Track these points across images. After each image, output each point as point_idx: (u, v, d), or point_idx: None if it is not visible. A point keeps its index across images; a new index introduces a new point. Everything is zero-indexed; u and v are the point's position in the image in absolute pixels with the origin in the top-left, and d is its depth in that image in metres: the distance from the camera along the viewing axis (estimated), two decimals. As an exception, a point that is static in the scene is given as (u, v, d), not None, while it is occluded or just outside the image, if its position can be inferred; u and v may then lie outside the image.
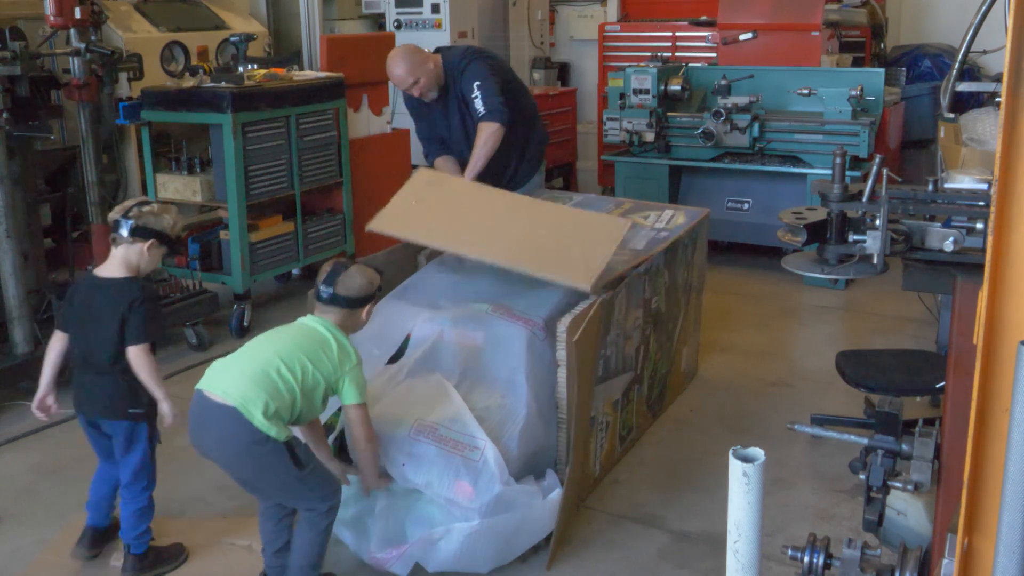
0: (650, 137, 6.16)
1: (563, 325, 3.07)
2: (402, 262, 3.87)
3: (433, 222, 3.64)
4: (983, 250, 1.55)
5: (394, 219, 3.65)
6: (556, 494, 2.99)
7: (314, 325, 2.81)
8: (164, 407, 2.89)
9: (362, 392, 2.78)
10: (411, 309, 3.45)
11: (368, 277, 2.89)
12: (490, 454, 2.90)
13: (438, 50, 4.72)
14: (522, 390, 3.11)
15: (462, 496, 2.86)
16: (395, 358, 3.35)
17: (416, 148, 6.45)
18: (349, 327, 2.86)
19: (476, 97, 4.38)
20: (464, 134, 4.62)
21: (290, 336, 2.79)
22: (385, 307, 3.53)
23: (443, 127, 4.69)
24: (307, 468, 2.70)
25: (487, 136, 4.37)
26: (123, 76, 5.02)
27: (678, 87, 6.22)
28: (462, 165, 4.66)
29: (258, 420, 2.57)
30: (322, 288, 2.83)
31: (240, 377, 2.65)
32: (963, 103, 5.66)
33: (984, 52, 6.93)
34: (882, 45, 7.66)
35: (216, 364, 2.76)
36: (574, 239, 3.48)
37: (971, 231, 2.19)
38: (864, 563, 2.11)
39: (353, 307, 2.85)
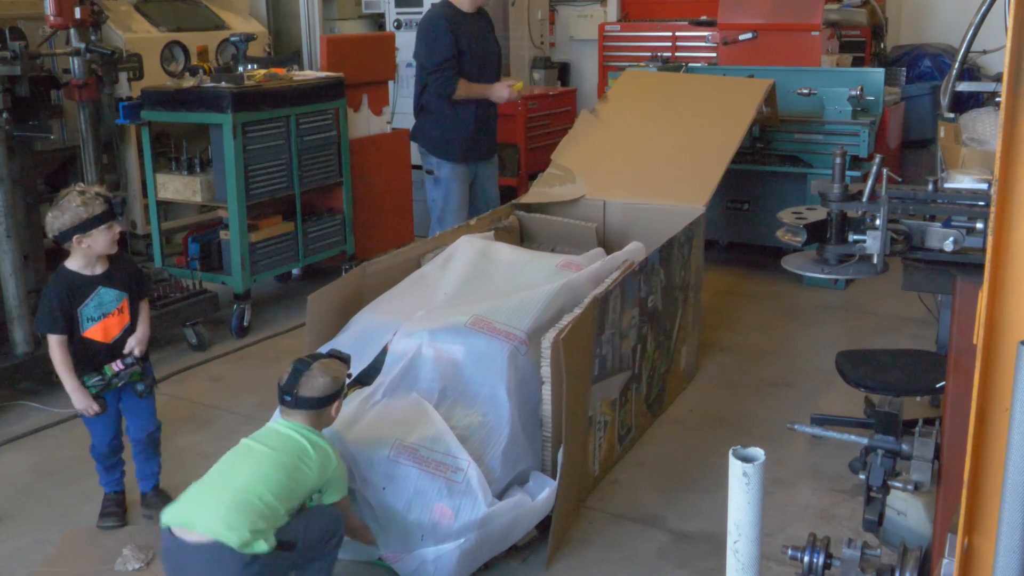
0: (650, 137, 6.15)
1: (547, 341, 2.97)
2: (404, 266, 3.81)
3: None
4: (983, 250, 1.55)
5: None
6: (547, 492, 2.94)
7: (287, 432, 2.67)
8: None
9: (345, 485, 2.71)
10: (388, 323, 3.31)
11: (332, 373, 2.73)
12: (473, 475, 2.82)
13: None
14: (504, 407, 3.02)
15: (443, 519, 2.80)
16: (370, 371, 3.24)
17: (416, 148, 6.46)
18: (321, 425, 2.74)
19: None
20: (497, 59, 5.38)
21: (265, 453, 2.62)
22: (361, 320, 3.41)
23: (477, 47, 5.17)
24: (299, 544, 2.57)
25: None
26: (123, 76, 5.03)
27: (678, 87, 6.22)
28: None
29: (243, 543, 2.43)
30: (284, 394, 2.70)
31: (218, 508, 2.48)
32: (963, 103, 5.65)
33: (984, 52, 6.93)
34: (882, 45, 7.64)
35: (188, 495, 2.58)
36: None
37: (971, 231, 2.19)
38: (864, 563, 2.11)
39: (321, 407, 2.71)
